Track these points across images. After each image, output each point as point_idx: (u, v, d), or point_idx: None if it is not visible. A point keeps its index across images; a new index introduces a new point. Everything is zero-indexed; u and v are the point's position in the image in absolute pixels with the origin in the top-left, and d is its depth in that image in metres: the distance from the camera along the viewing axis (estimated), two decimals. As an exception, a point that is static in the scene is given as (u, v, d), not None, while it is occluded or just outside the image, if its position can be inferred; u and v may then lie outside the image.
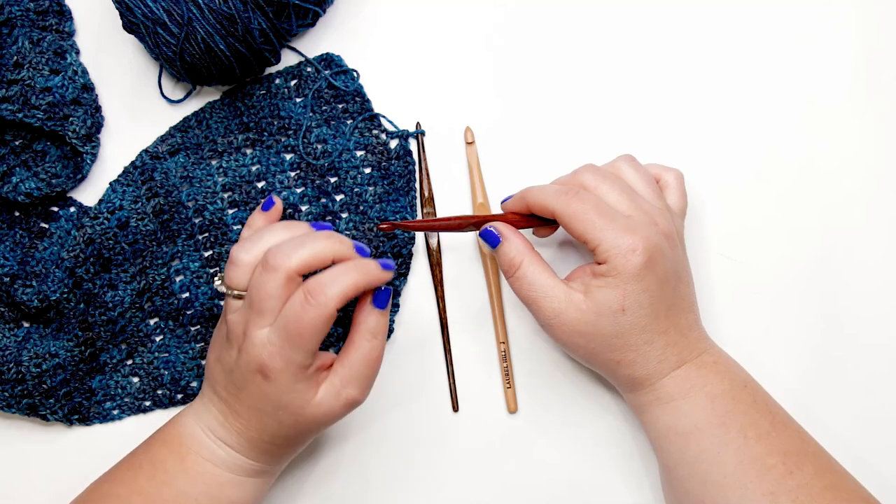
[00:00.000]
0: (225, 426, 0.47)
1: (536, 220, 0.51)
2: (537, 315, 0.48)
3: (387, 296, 0.47)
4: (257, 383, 0.44)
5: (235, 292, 0.46)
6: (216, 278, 0.48)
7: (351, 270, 0.44)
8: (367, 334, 0.46)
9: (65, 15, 0.58)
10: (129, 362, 0.55)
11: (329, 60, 0.57)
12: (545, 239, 0.55)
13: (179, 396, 0.55)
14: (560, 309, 0.47)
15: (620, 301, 0.46)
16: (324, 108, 0.57)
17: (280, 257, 0.44)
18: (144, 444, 0.49)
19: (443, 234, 0.56)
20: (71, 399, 0.54)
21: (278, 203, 0.51)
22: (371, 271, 0.45)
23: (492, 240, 0.49)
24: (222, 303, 0.55)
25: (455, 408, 0.55)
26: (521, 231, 0.50)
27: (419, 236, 0.56)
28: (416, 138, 0.57)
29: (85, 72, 0.57)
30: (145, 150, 0.57)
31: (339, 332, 0.54)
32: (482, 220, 0.50)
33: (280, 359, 0.44)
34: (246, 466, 0.47)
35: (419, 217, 0.56)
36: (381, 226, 0.50)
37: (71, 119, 0.54)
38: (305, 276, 0.45)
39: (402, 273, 0.55)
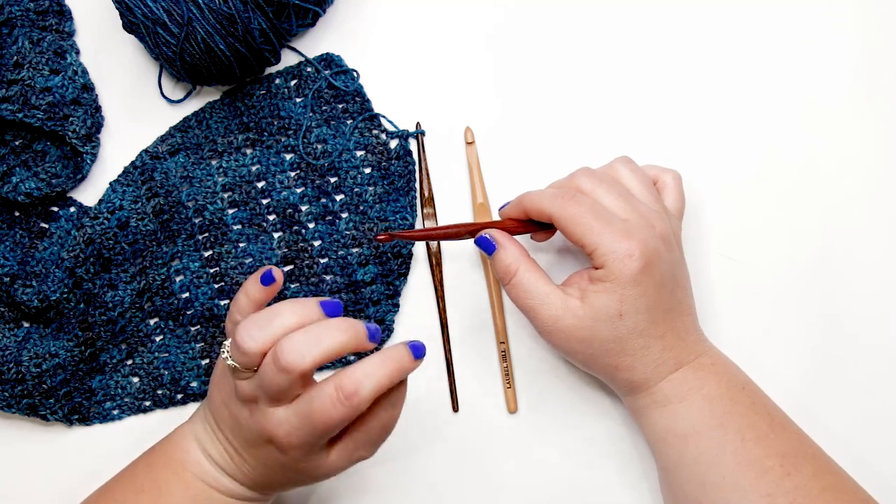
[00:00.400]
0: (231, 465, 0.46)
1: (534, 226, 0.51)
2: (534, 322, 0.48)
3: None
4: (269, 450, 0.44)
5: (242, 370, 0.43)
6: (222, 349, 0.44)
7: (386, 365, 0.42)
8: (388, 405, 0.44)
9: (65, 15, 0.58)
10: (129, 362, 0.55)
11: (329, 60, 0.57)
12: (541, 246, 0.55)
13: (179, 396, 0.55)
14: (557, 315, 0.47)
15: (618, 306, 0.45)
16: (324, 108, 0.57)
17: (293, 357, 0.41)
18: (145, 464, 0.48)
19: (443, 234, 0.56)
20: (71, 399, 0.54)
21: (279, 279, 0.46)
22: (405, 365, 0.43)
23: (487, 247, 0.49)
24: (223, 303, 0.55)
25: (455, 408, 0.55)
26: (517, 238, 0.50)
27: (419, 236, 0.56)
28: (416, 138, 0.57)
29: (85, 72, 0.57)
30: (145, 150, 0.57)
31: None
32: (479, 227, 0.50)
33: (297, 439, 0.42)
34: (252, 497, 0.47)
35: (419, 216, 0.56)
36: (379, 237, 0.49)
37: (71, 119, 0.54)
38: None
39: (402, 273, 0.55)
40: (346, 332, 0.42)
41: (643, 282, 0.45)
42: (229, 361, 0.43)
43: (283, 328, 0.42)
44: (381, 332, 0.47)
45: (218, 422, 0.46)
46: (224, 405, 0.46)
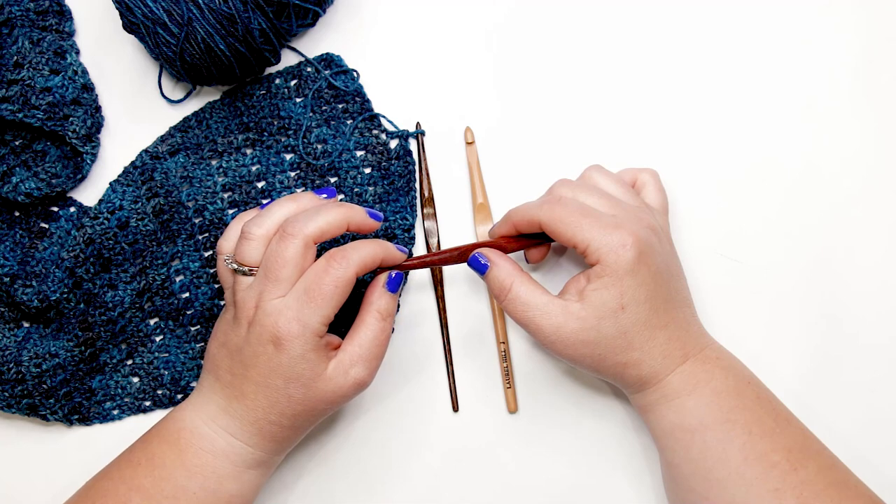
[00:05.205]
0: (228, 412, 0.47)
1: (525, 241, 0.51)
2: (537, 334, 0.47)
3: (398, 280, 0.48)
4: (269, 355, 0.45)
5: (246, 268, 0.47)
6: (225, 257, 0.48)
7: (372, 243, 0.47)
8: (377, 314, 0.47)
9: (65, 15, 0.58)
10: (129, 362, 0.55)
11: (329, 60, 0.57)
12: (533, 266, 0.55)
13: (179, 396, 0.55)
14: (559, 323, 0.46)
15: (618, 299, 0.45)
16: (324, 108, 0.57)
17: (297, 225, 0.45)
18: (141, 441, 0.49)
19: (443, 233, 0.56)
20: (71, 399, 0.54)
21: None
22: (389, 248, 0.48)
23: (480, 267, 0.49)
24: (222, 302, 0.55)
25: (455, 408, 0.55)
26: (510, 256, 0.50)
27: (419, 235, 0.56)
28: (416, 138, 0.57)
29: (85, 72, 0.57)
30: (145, 150, 0.57)
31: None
32: (471, 248, 0.50)
33: (297, 323, 0.44)
34: (246, 456, 0.47)
35: (419, 216, 0.56)
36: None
37: (71, 119, 0.54)
38: (320, 250, 0.47)
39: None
40: (344, 206, 0.47)
41: (640, 271, 0.45)
42: (233, 265, 0.47)
43: (284, 215, 0.48)
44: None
45: (216, 372, 0.47)
46: (222, 346, 0.47)
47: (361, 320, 0.47)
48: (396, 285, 0.48)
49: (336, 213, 0.47)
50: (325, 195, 0.50)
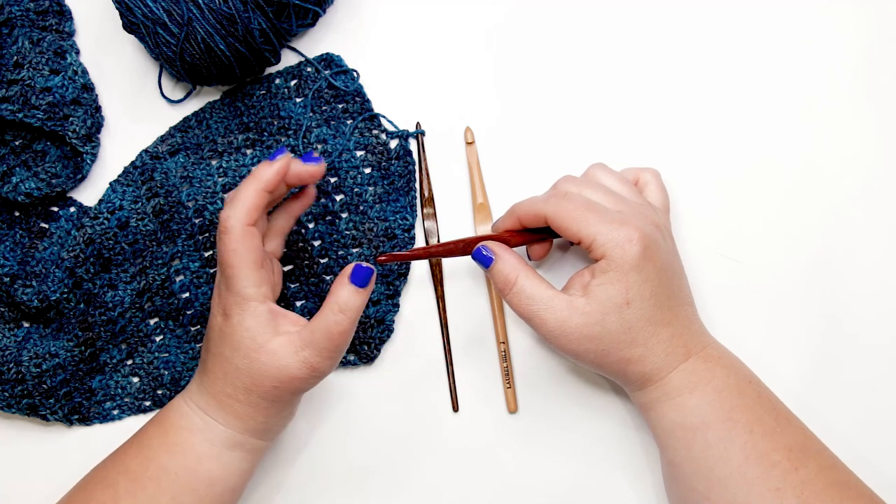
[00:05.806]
0: (199, 387, 0.48)
1: (529, 235, 0.51)
2: (541, 329, 0.47)
3: (364, 273, 0.45)
4: (220, 325, 0.47)
5: None
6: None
7: (245, 184, 0.47)
8: (335, 307, 0.45)
9: (65, 15, 0.58)
10: (129, 362, 0.55)
11: (329, 60, 0.57)
12: (536, 263, 0.55)
13: (179, 396, 0.55)
14: (563, 318, 0.46)
15: (624, 294, 0.45)
16: (324, 108, 0.57)
17: (225, 222, 0.46)
18: (138, 430, 0.50)
19: (443, 233, 0.56)
20: (71, 399, 0.54)
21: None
22: (262, 173, 0.46)
23: (484, 260, 0.49)
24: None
25: (455, 408, 0.55)
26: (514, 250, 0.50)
27: (419, 236, 0.56)
28: (416, 138, 0.57)
29: (85, 72, 0.57)
30: (145, 150, 0.57)
31: None
32: (475, 241, 0.50)
33: (229, 294, 0.46)
34: (219, 433, 0.47)
35: (419, 216, 0.56)
36: (380, 259, 0.49)
37: (71, 119, 0.54)
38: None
39: (402, 273, 0.55)
40: (253, 175, 0.47)
41: (645, 267, 0.45)
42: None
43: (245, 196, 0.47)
44: (315, 156, 0.48)
45: (204, 360, 0.49)
46: (209, 329, 0.49)
47: (322, 308, 0.46)
48: (361, 279, 0.45)
49: (249, 189, 0.46)
50: (279, 154, 0.47)
